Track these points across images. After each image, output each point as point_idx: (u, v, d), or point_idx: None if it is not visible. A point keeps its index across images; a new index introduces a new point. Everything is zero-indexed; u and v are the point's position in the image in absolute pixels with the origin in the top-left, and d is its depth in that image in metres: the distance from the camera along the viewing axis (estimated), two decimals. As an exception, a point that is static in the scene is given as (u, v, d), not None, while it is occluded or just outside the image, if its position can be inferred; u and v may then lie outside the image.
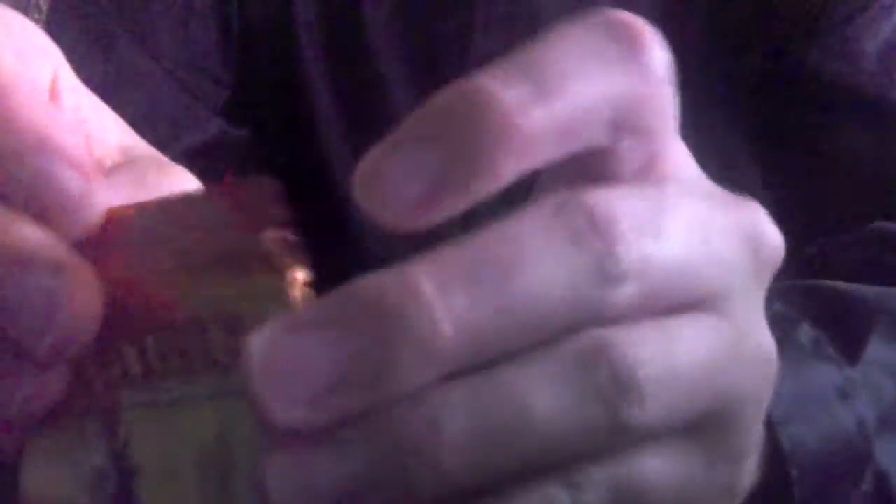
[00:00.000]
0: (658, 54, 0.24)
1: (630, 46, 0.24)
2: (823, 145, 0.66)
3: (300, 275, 0.24)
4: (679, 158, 0.26)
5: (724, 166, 0.74)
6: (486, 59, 0.79)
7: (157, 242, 0.24)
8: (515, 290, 0.22)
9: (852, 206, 0.63)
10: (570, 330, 0.22)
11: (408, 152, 0.22)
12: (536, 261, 0.22)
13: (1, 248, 0.23)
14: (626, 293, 0.22)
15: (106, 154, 0.28)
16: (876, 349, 0.42)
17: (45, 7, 0.64)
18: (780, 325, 0.41)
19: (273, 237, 0.24)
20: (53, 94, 0.27)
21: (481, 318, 0.21)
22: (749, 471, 0.29)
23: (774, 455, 0.37)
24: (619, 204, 0.23)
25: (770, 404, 0.37)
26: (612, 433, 0.23)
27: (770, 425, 0.37)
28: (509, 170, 0.22)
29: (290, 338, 0.21)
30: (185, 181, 0.28)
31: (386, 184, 0.22)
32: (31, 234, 0.23)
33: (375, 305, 0.21)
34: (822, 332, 0.41)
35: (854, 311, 0.44)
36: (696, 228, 0.24)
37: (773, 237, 0.26)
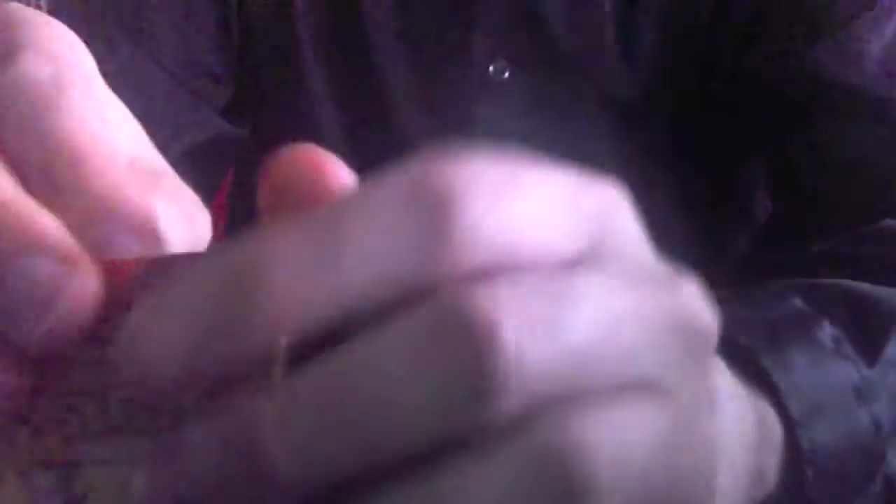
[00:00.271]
0: (462, 214, 0.22)
1: (431, 212, 0.22)
2: (825, 145, 0.66)
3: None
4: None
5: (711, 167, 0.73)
6: (486, 58, 0.79)
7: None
8: (368, 427, 0.21)
9: (854, 206, 0.63)
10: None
11: (182, 308, 0.22)
12: (397, 384, 0.21)
13: (11, 231, 0.22)
14: (507, 404, 0.21)
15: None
16: (894, 351, 0.42)
17: (45, 7, 0.64)
18: (802, 321, 0.41)
19: None
20: None
21: (321, 456, 0.21)
22: None
23: (793, 454, 0.37)
24: (505, 305, 0.21)
25: (791, 403, 0.37)
26: None
27: (790, 424, 0.37)
28: (278, 333, 0.22)
29: None
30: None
31: (153, 336, 0.22)
32: (42, 221, 0.23)
33: None
34: (842, 331, 0.41)
35: (874, 312, 0.44)
36: (604, 320, 0.23)
37: (703, 317, 0.25)
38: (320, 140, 0.83)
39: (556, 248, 0.23)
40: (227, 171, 0.81)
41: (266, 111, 0.76)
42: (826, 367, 0.39)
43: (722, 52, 0.70)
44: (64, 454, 0.23)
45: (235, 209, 0.85)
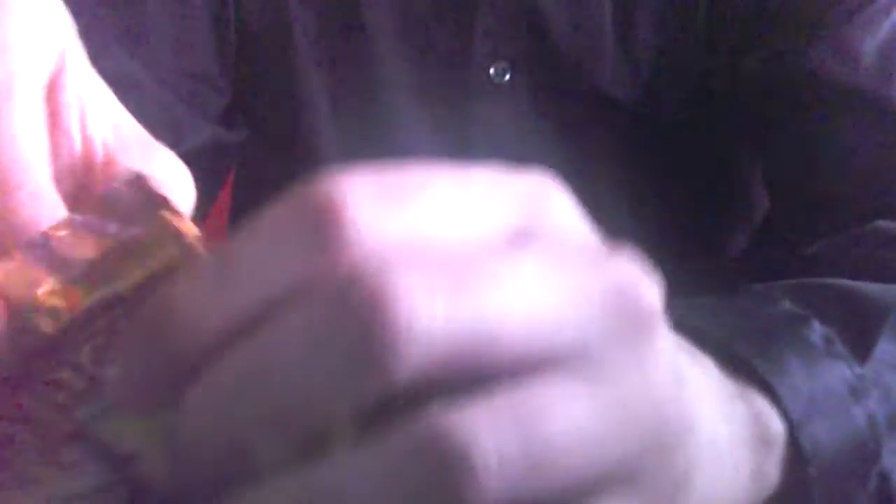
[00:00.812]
0: (350, 233, 0.23)
1: (317, 232, 0.23)
2: (822, 145, 0.66)
3: (192, 229, 0.25)
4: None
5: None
6: (486, 61, 0.79)
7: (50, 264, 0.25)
8: (271, 403, 0.22)
9: (851, 206, 0.64)
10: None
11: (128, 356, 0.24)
12: (297, 363, 0.22)
13: None
14: (403, 373, 0.22)
15: (100, 133, 0.28)
16: (885, 348, 0.42)
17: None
18: (791, 323, 0.41)
19: (162, 214, 0.25)
20: (53, 88, 0.27)
21: (221, 433, 0.22)
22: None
23: (795, 456, 0.37)
24: (400, 279, 0.22)
25: (789, 404, 0.37)
26: None
27: (790, 426, 0.37)
28: (191, 351, 0.23)
29: None
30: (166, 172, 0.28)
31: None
32: None
33: None
34: (832, 330, 0.41)
35: (864, 309, 0.44)
36: (517, 295, 0.23)
37: (641, 291, 0.25)
38: (318, 144, 0.83)
39: (466, 235, 0.23)
40: (225, 177, 0.81)
41: (264, 115, 0.76)
42: (819, 368, 0.39)
43: (720, 53, 0.70)
44: (67, 425, 0.24)
45: (237, 211, 0.85)
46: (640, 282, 0.25)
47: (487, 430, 0.22)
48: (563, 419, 0.23)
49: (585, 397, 0.23)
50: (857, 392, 0.40)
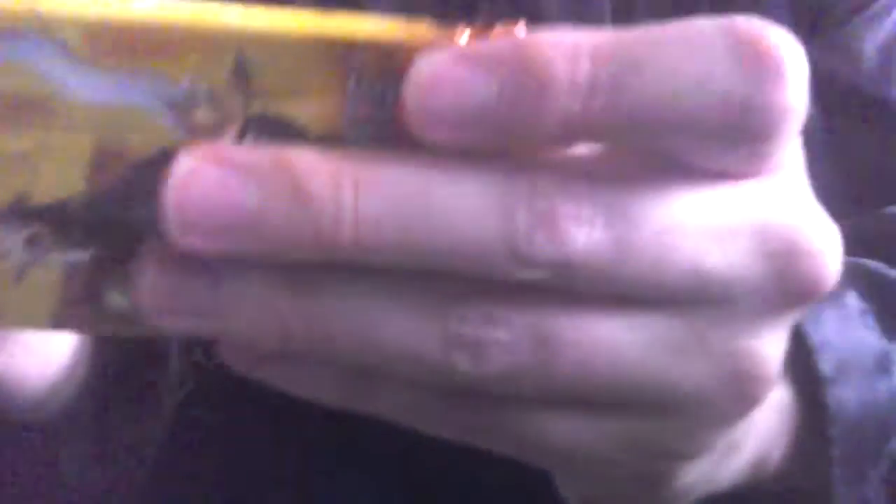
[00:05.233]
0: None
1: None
2: (822, 144, 0.66)
3: None
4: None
5: None
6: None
7: None
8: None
9: (852, 206, 0.63)
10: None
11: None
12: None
13: None
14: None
15: None
16: None
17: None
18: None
19: None
20: None
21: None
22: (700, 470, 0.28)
23: (815, 416, 0.36)
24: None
25: (821, 358, 0.36)
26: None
27: (814, 383, 0.36)
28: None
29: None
30: None
31: None
32: None
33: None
34: (866, 305, 0.40)
35: (892, 293, 0.43)
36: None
37: (810, 267, 0.25)
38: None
39: None
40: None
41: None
42: (853, 330, 0.38)
43: None
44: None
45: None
46: (812, 258, 0.26)
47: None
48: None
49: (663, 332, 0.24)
50: (882, 366, 0.39)
